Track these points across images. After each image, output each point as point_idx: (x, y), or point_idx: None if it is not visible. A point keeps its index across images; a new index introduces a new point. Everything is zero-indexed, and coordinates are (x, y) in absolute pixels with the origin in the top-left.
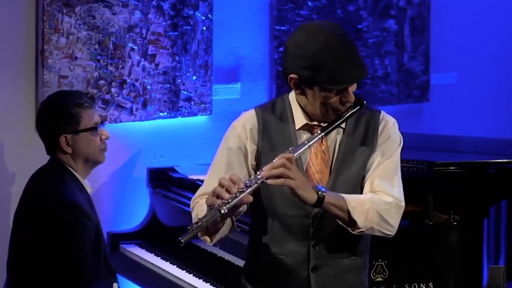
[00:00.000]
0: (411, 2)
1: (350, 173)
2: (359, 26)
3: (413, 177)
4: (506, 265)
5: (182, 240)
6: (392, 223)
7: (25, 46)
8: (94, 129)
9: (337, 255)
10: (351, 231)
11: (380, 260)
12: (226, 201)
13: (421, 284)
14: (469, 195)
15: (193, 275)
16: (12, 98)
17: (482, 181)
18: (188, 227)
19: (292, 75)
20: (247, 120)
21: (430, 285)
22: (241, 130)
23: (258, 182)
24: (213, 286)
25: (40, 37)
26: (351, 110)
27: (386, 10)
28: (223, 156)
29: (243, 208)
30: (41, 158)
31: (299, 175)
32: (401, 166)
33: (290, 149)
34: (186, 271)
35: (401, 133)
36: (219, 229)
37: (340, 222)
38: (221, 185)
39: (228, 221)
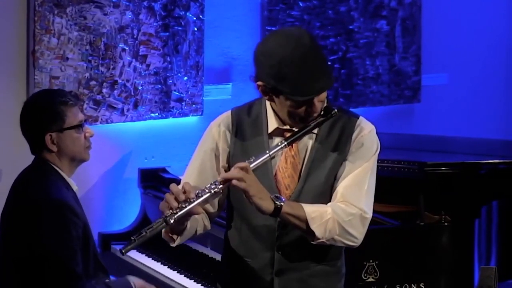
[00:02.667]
0: (402, 2)
1: (318, 180)
2: (350, 27)
3: (404, 177)
4: (497, 265)
5: (123, 251)
6: (355, 235)
7: (16, 47)
8: (79, 126)
9: (302, 260)
10: (311, 242)
11: (371, 261)
12: (174, 212)
13: (412, 285)
14: (460, 196)
15: (184, 276)
16: (3, 99)
17: (473, 181)
18: (132, 237)
19: (259, 82)
20: (222, 121)
21: (422, 286)
22: (215, 131)
23: (211, 192)
24: (204, 286)
25: (31, 37)
26: (319, 119)
27: (377, 10)
28: (197, 158)
29: (216, 210)
30: (32, 158)
31: (255, 184)
32: (393, 167)
33: (251, 158)
34: (177, 272)
35: (393, 133)
36: (182, 230)
37: (301, 232)
38: (171, 193)
39: (200, 222)
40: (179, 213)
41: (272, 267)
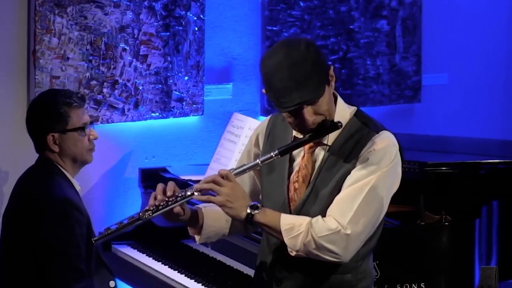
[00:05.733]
0: (403, 2)
1: (324, 191)
2: (351, 27)
3: (404, 177)
4: (497, 265)
5: (93, 240)
6: (335, 251)
7: (16, 47)
8: (82, 128)
9: (305, 269)
10: (289, 253)
11: None
12: (151, 209)
13: (413, 285)
14: (461, 196)
15: (185, 275)
16: (3, 99)
17: (474, 181)
18: (104, 229)
19: (263, 90)
20: (260, 124)
21: (422, 286)
22: (253, 134)
23: (187, 195)
24: (205, 286)
25: (31, 37)
26: (317, 132)
27: (378, 10)
28: (240, 157)
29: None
30: (33, 158)
31: (228, 192)
32: None
33: (244, 164)
34: (178, 271)
35: (393, 133)
36: (199, 229)
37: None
38: (156, 191)
39: (229, 222)
40: (156, 213)
41: (273, 274)
